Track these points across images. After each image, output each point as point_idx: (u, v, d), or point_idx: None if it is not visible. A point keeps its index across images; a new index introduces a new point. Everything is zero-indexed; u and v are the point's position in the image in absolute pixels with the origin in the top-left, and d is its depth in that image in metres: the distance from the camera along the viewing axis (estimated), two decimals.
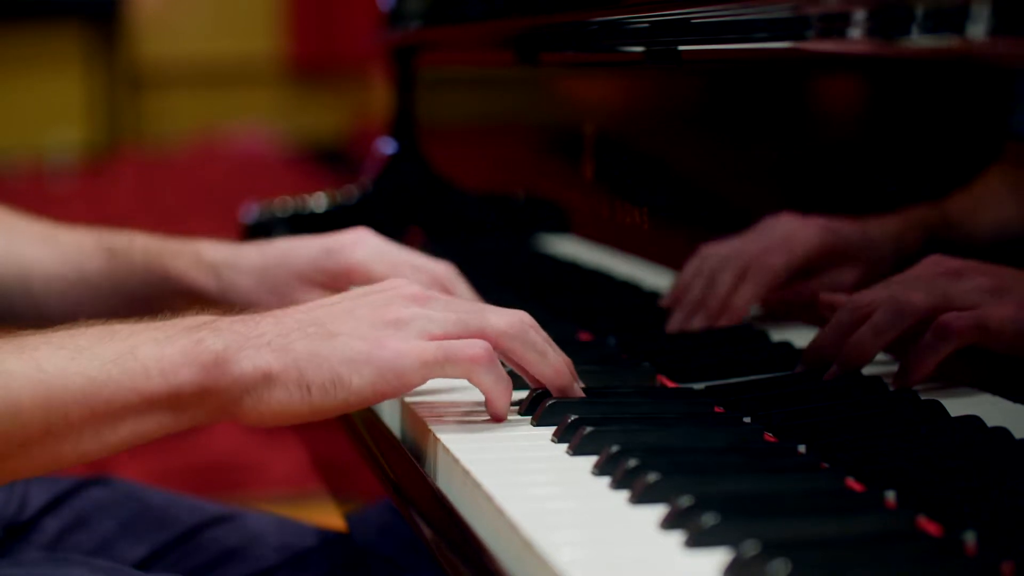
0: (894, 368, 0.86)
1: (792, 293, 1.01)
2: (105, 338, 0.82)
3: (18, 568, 1.01)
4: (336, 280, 1.17)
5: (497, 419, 0.88)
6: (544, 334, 0.90)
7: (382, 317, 0.85)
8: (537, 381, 0.90)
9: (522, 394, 0.91)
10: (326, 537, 1.25)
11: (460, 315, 0.86)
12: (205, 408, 0.82)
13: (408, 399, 0.95)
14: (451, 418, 0.90)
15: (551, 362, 0.88)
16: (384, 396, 0.85)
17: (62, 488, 1.21)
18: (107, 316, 0.98)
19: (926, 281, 0.84)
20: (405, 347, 0.84)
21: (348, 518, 1.27)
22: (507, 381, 0.87)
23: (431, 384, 0.98)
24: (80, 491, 1.21)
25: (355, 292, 0.90)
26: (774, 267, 1.00)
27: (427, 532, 0.80)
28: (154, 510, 1.22)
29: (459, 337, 0.85)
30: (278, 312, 0.87)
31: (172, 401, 0.81)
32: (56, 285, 1.26)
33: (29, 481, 1.21)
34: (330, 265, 1.17)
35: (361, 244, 1.18)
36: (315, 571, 1.22)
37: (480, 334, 0.86)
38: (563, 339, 1.12)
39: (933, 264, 0.83)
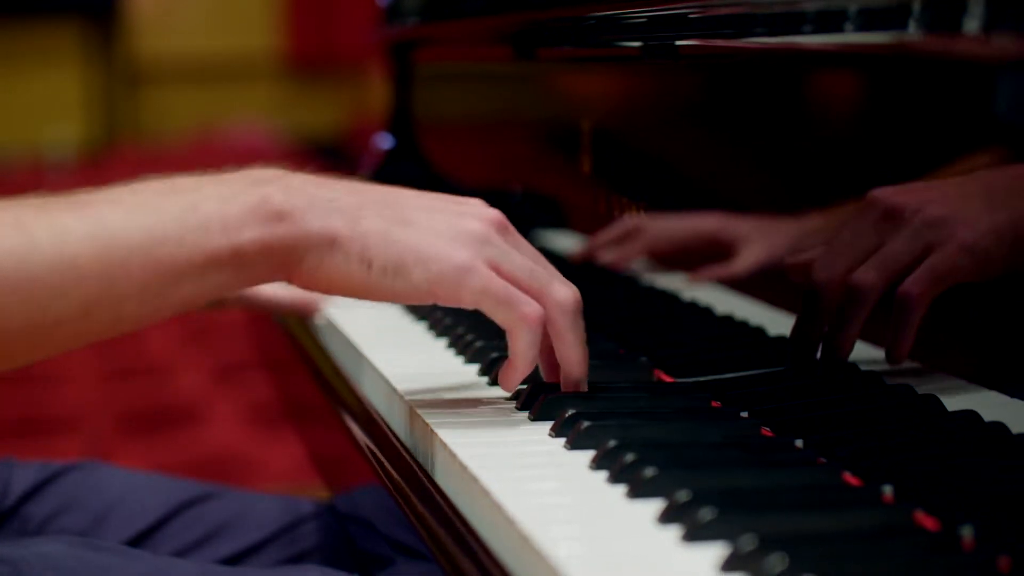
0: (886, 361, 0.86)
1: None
2: (167, 193, 0.80)
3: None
4: None
5: (506, 386, 0.87)
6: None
7: (463, 226, 0.84)
8: (552, 366, 0.88)
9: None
10: (313, 509, 1.25)
11: (532, 266, 0.85)
12: (267, 266, 0.81)
13: (407, 396, 0.95)
14: (449, 413, 0.90)
15: (580, 351, 0.87)
16: (437, 299, 0.83)
17: (45, 474, 1.21)
18: None
19: (866, 243, 0.81)
20: (475, 265, 0.82)
21: (334, 496, 1.27)
22: (535, 355, 0.85)
23: (430, 382, 0.99)
24: (63, 476, 1.22)
25: (437, 195, 0.88)
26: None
27: (425, 526, 0.80)
28: (139, 491, 1.22)
29: (525, 284, 0.84)
30: (356, 183, 0.85)
31: (235, 258, 0.80)
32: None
33: (11, 467, 1.21)
34: None
35: None
36: (304, 543, 1.22)
37: (542, 293, 0.84)
38: None
39: (870, 210, 0.81)
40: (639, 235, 1.13)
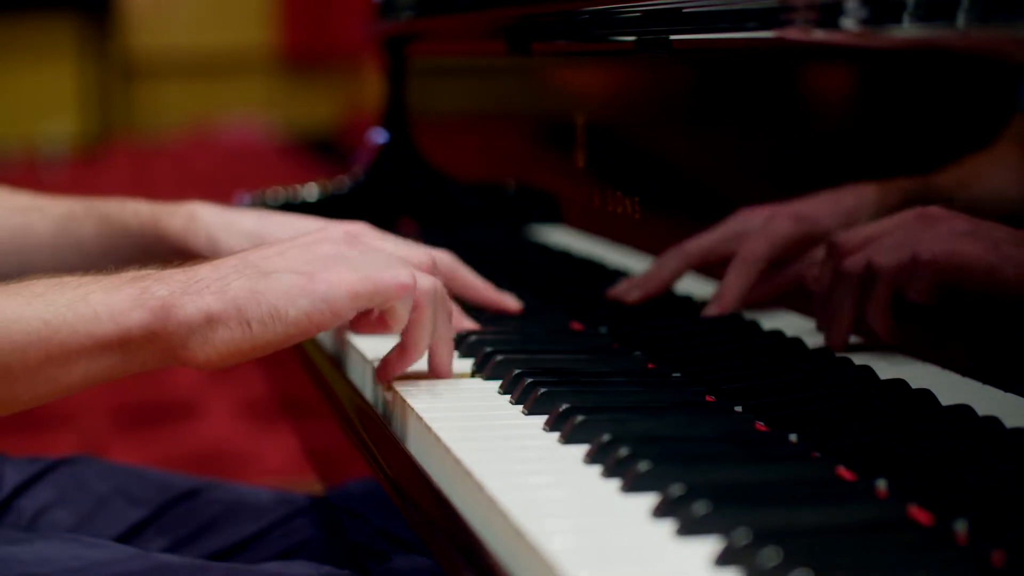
0: (885, 355, 0.87)
1: (776, 281, 1.02)
2: (58, 287, 0.87)
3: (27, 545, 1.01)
4: None
5: (388, 369, 0.96)
6: (449, 306, 0.97)
7: (315, 253, 0.91)
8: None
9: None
10: (307, 502, 1.25)
11: (385, 258, 0.92)
12: (153, 351, 0.87)
13: (400, 389, 0.95)
14: (443, 408, 0.90)
15: (435, 333, 0.95)
16: (320, 326, 0.89)
17: (37, 468, 1.21)
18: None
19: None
20: (336, 279, 0.89)
21: (326, 489, 1.27)
22: (423, 332, 0.94)
23: (423, 376, 0.99)
24: (56, 470, 1.22)
25: (286, 238, 0.95)
26: (757, 255, 1.02)
27: (420, 521, 0.79)
28: (131, 485, 1.22)
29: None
30: (214, 261, 0.92)
31: (122, 343, 0.86)
32: (45, 252, 1.29)
33: (3, 462, 1.21)
34: None
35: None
36: (298, 536, 1.22)
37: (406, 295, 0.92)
38: (555, 328, 1.13)
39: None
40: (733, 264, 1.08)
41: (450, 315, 0.96)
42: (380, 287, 0.90)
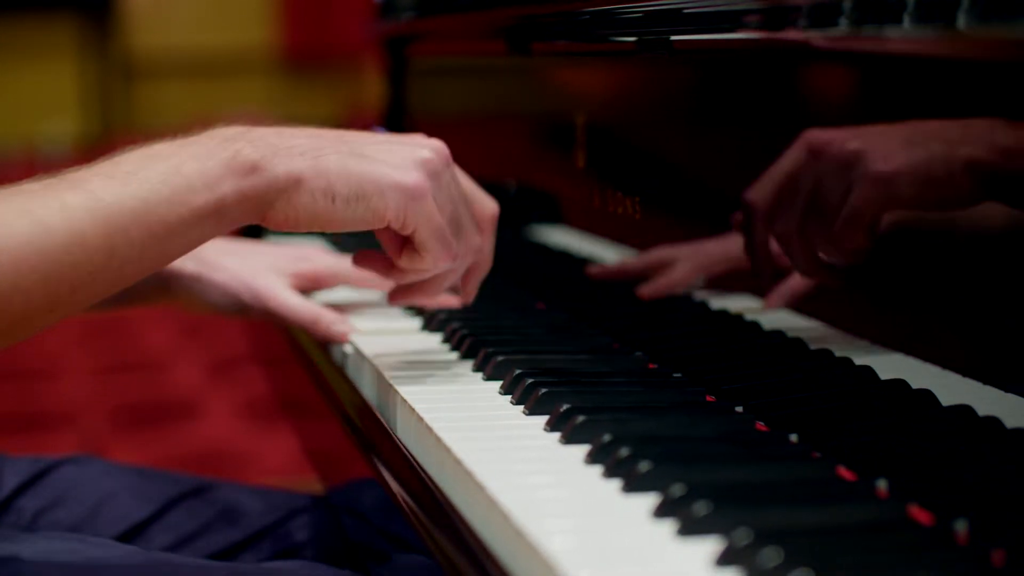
0: (885, 355, 0.86)
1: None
2: (150, 160, 0.88)
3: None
4: (303, 280, 1.25)
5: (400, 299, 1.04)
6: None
7: (415, 155, 0.94)
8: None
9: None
10: (307, 502, 1.25)
11: (458, 209, 0.98)
12: (244, 210, 0.90)
13: (401, 389, 0.95)
14: (444, 409, 0.90)
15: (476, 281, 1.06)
16: (394, 224, 0.93)
17: (37, 468, 1.21)
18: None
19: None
20: (424, 193, 0.93)
21: (327, 489, 1.27)
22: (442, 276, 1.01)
23: (423, 375, 0.99)
24: (55, 470, 1.22)
25: (388, 134, 0.99)
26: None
27: (420, 521, 0.80)
28: (131, 485, 1.22)
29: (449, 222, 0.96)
30: (313, 129, 0.95)
31: (217, 210, 0.88)
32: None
33: (4, 462, 1.21)
34: (297, 267, 1.25)
35: (321, 254, 1.31)
36: (298, 536, 1.22)
37: (459, 239, 0.98)
38: (555, 328, 1.13)
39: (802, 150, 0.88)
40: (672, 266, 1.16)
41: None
42: (445, 247, 0.96)
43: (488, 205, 1.06)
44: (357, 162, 0.92)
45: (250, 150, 0.89)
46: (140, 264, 0.88)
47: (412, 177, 0.93)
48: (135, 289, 1.25)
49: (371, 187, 0.91)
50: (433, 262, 0.96)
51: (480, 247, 1.03)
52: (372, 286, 1.24)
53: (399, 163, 0.93)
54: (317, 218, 0.91)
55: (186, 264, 1.23)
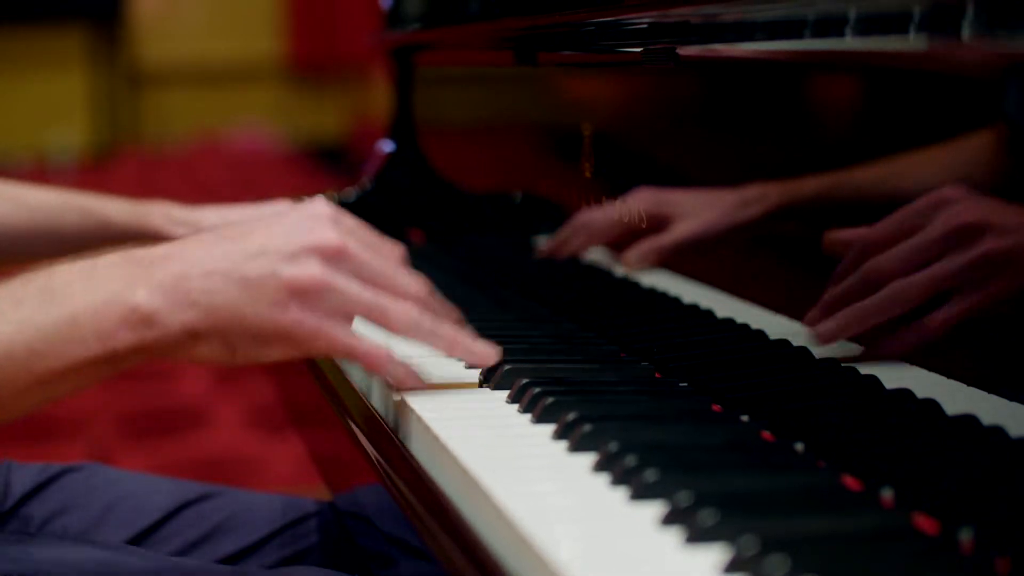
0: (890, 365, 0.87)
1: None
2: (46, 303, 0.87)
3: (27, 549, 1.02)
4: None
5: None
6: (439, 307, 0.96)
7: (303, 283, 0.88)
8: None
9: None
10: (314, 508, 1.26)
11: (367, 303, 0.91)
12: (139, 359, 0.88)
13: (408, 398, 0.95)
14: (451, 417, 0.91)
15: (442, 340, 0.94)
16: (304, 354, 0.91)
17: (44, 475, 1.22)
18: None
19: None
20: (318, 329, 0.89)
21: (334, 495, 1.28)
22: (406, 370, 0.96)
23: (436, 394, 0.99)
24: (62, 477, 1.22)
25: (281, 226, 0.92)
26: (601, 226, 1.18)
27: (427, 528, 0.80)
28: (138, 492, 1.23)
29: (364, 317, 0.91)
30: (210, 255, 0.89)
31: (109, 360, 0.87)
32: (26, 240, 1.33)
33: (10, 468, 1.21)
34: None
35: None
36: (305, 541, 1.23)
37: (383, 324, 0.92)
38: (562, 337, 1.13)
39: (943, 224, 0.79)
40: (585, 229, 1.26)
41: (439, 315, 0.95)
42: (358, 358, 0.92)
43: (394, 248, 0.97)
44: (245, 296, 0.87)
45: (147, 299, 0.86)
46: (18, 404, 0.87)
47: (301, 325, 0.88)
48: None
49: (263, 337, 0.88)
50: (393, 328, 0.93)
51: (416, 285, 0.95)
52: None
53: (283, 299, 0.88)
54: (217, 363, 0.91)
55: (183, 232, 1.33)
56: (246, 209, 1.43)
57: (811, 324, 0.90)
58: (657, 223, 1.12)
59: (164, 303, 0.87)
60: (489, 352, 0.96)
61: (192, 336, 0.87)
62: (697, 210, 1.07)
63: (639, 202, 1.13)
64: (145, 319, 0.86)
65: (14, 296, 0.88)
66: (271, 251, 0.89)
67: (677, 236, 1.10)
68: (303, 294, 0.88)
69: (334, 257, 0.90)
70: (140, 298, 0.87)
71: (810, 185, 0.93)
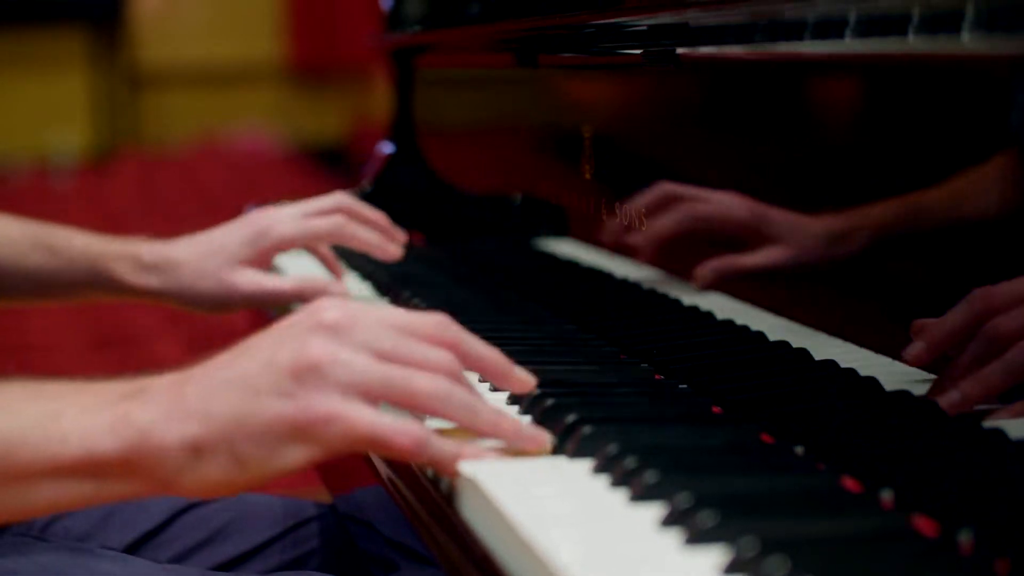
0: (888, 365, 0.87)
1: (722, 265, 1.06)
2: (31, 398, 0.80)
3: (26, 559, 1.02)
4: (266, 257, 1.32)
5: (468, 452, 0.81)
6: (468, 383, 0.82)
7: (303, 362, 0.77)
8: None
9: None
10: (315, 512, 1.26)
11: (383, 374, 0.78)
12: (134, 480, 0.78)
13: None
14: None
15: (482, 418, 0.81)
16: (315, 463, 0.79)
17: None
18: (44, 300, 1.17)
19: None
20: (331, 411, 0.76)
21: (334, 497, 1.28)
22: (454, 452, 0.79)
23: None
24: None
25: (277, 329, 0.81)
26: (695, 213, 1.07)
27: (427, 531, 0.80)
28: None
29: (383, 396, 0.78)
30: (205, 370, 0.80)
31: (92, 469, 0.77)
32: None
33: None
34: (259, 247, 1.31)
35: (278, 224, 1.32)
36: (306, 545, 1.23)
37: (407, 399, 0.79)
38: (562, 339, 1.13)
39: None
40: (675, 206, 1.12)
41: (470, 395, 0.81)
42: (411, 397, 0.78)
43: (432, 320, 0.83)
44: (252, 405, 0.76)
45: (140, 412, 0.77)
46: None
47: (314, 413, 0.76)
48: (91, 287, 1.34)
49: (274, 441, 0.76)
50: (422, 409, 0.80)
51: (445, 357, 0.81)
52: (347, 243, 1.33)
53: (291, 389, 0.76)
54: (228, 485, 0.77)
55: (138, 276, 1.32)
56: (214, 233, 1.35)
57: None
58: (745, 237, 1.01)
59: (159, 413, 0.77)
60: (540, 435, 0.82)
61: (194, 452, 0.76)
62: (790, 236, 0.96)
63: (737, 209, 1.02)
64: (138, 432, 0.77)
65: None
66: (266, 348, 0.79)
67: (760, 261, 0.98)
68: (305, 373, 0.76)
69: (335, 329, 0.78)
70: (135, 412, 0.77)
71: (903, 217, 0.85)
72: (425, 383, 0.79)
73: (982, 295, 0.78)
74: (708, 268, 1.07)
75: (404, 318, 0.82)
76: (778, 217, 0.96)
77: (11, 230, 1.35)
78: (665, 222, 1.12)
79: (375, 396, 0.78)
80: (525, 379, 0.86)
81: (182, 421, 0.76)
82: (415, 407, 0.80)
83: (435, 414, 0.80)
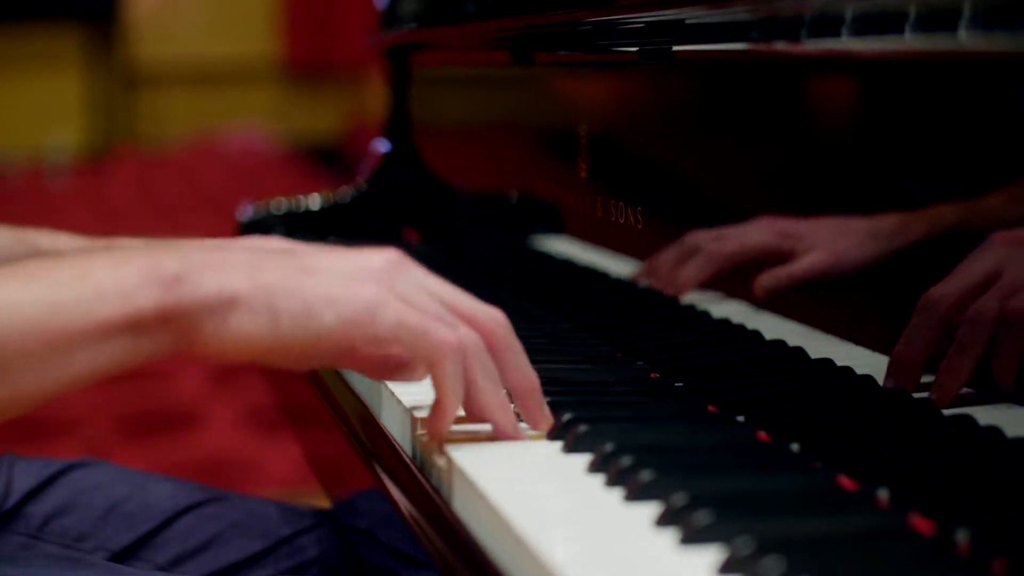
0: (885, 364, 0.87)
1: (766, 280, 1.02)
2: (60, 264, 0.77)
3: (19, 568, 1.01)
4: None
5: (435, 429, 0.83)
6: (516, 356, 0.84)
7: (365, 263, 0.80)
8: (473, 409, 0.84)
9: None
10: (314, 519, 1.25)
11: (436, 307, 0.81)
12: (166, 335, 0.76)
13: (402, 398, 0.95)
14: None
15: (526, 367, 0.84)
16: (351, 341, 0.79)
17: (47, 473, 1.21)
18: None
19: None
20: (386, 299, 0.78)
21: (334, 503, 1.28)
22: (461, 388, 0.81)
23: (426, 386, 0.99)
24: (64, 475, 1.22)
25: (333, 247, 0.84)
26: (722, 253, 1.05)
27: (422, 530, 0.80)
28: (142, 492, 1.22)
29: (442, 313, 0.81)
30: (244, 241, 0.82)
31: (131, 325, 0.75)
32: None
33: (13, 466, 1.21)
34: None
35: None
36: (305, 553, 1.22)
37: (467, 318, 0.82)
38: (558, 338, 1.13)
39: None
40: (698, 254, 1.10)
41: (493, 373, 0.83)
42: (430, 334, 0.79)
43: (491, 315, 0.85)
44: (302, 276, 0.77)
45: (173, 260, 0.76)
46: (35, 380, 0.75)
47: (366, 288, 0.78)
48: None
49: (320, 302, 0.77)
50: (431, 358, 0.80)
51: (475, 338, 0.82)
52: None
53: (350, 273, 0.78)
54: (261, 343, 0.77)
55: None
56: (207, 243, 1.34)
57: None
58: (781, 254, 1.00)
59: (194, 264, 0.76)
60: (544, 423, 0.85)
61: (230, 303, 0.75)
62: (827, 239, 0.95)
63: (761, 233, 1.02)
64: (172, 277, 0.75)
65: (22, 263, 0.78)
66: (329, 254, 0.81)
67: (807, 266, 0.97)
68: (364, 273, 0.78)
69: (405, 265, 0.81)
70: (167, 259, 0.76)
71: (950, 216, 0.83)
72: (466, 332, 0.81)
73: (932, 299, 0.80)
74: (762, 282, 1.03)
75: (462, 295, 0.84)
76: (806, 228, 0.96)
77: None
78: (691, 273, 1.09)
79: (428, 311, 0.79)
80: (548, 419, 0.85)
81: (222, 271, 0.76)
82: (452, 349, 0.80)
83: (464, 362, 0.81)
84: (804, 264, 0.96)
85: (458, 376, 0.81)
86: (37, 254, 1.26)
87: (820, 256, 0.95)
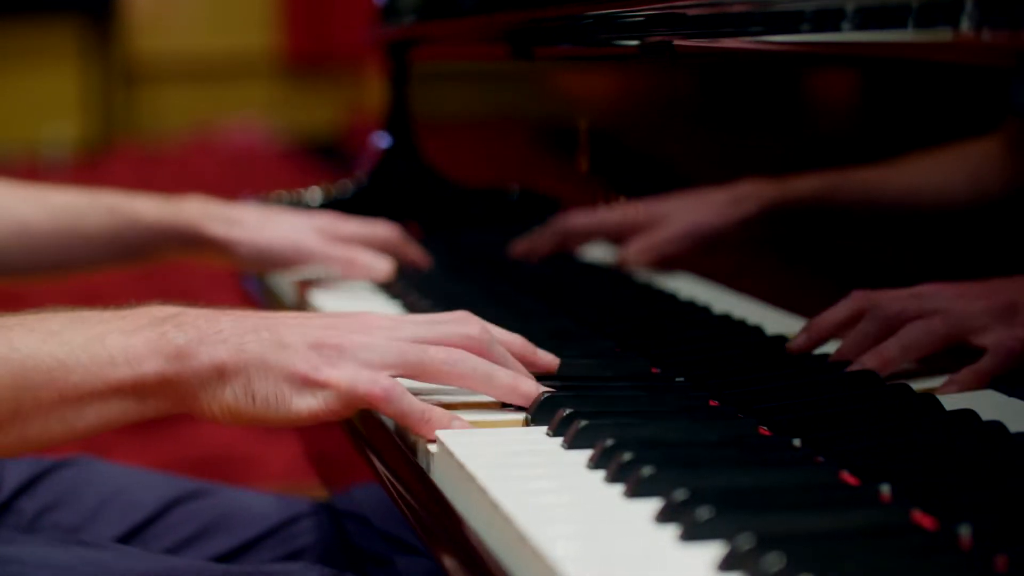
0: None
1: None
2: (75, 324, 0.85)
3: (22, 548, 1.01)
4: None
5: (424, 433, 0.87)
6: (498, 349, 0.90)
7: (328, 339, 0.86)
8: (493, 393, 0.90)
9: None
10: (309, 507, 1.25)
11: (399, 348, 0.87)
12: (167, 398, 0.85)
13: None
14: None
15: (498, 383, 0.89)
16: (320, 420, 0.86)
17: (38, 468, 1.21)
18: (102, 265, 1.23)
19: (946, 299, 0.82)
20: (332, 377, 0.85)
21: (332, 496, 1.28)
22: (422, 409, 0.86)
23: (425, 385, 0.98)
24: (56, 471, 1.22)
25: (320, 313, 0.93)
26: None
27: (423, 525, 0.79)
28: (132, 486, 1.22)
29: (398, 367, 0.87)
30: (239, 312, 0.89)
31: (136, 389, 0.84)
32: (49, 240, 1.34)
33: (4, 461, 1.21)
34: (327, 232, 1.38)
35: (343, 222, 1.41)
36: (300, 540, 1.22)
37: (419, 368, 0.87)
38: (559, 333, 1.13)
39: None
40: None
41: (504, 356, 0.91)
42: (419, 351, 0.87)
43: (455, 314, 0.93)
44: (275, 353, 0.85)
45: (176, 333, 0.85)
46: (44, 429, 0.83)
47: (321, 373, 0.85)
48: (161, 244, 1.37)
49: (287, 386, 0.85)
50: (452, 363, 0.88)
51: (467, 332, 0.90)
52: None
53: (311, 354, 0.86)
54: (244, 415, 0.85)
55: (218, 227, 1.34)
56: (283, 212, 1.43)
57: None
58: (647, 225, 1.12)
59: (194, 335, 0.84)
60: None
61: (219, 374, 0.84)
62: (689, 208, 1.06)
63: (625, 213, 1.12)
64: (176, 350, 0.84)
65: (40, 317, 0.85)
66: (305, 317, 0.89)
67: (670, 234, 1.09)
68: (329, 349, 0.86)
69: (377, 327, 0.88)
70: (171, 333, 0.85)
71: (809, 184, 0.92)
72: (436, 352, 0.87)
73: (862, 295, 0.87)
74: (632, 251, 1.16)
75: (430, 315, 0.92)
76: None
77: (67, 194, 1.39)
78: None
79: (390, 368, 0.86)
80: (549, 360, 0.95)
81: (214, 345, 0.84)
82: (429, 376, 0.88)
83: (449, 382, 0.88)
84: (667, 232, 1.08)
85: (404, 408, 0.86)
86: (112, 214, 1.35)
87: (682, 222, 1.07)
